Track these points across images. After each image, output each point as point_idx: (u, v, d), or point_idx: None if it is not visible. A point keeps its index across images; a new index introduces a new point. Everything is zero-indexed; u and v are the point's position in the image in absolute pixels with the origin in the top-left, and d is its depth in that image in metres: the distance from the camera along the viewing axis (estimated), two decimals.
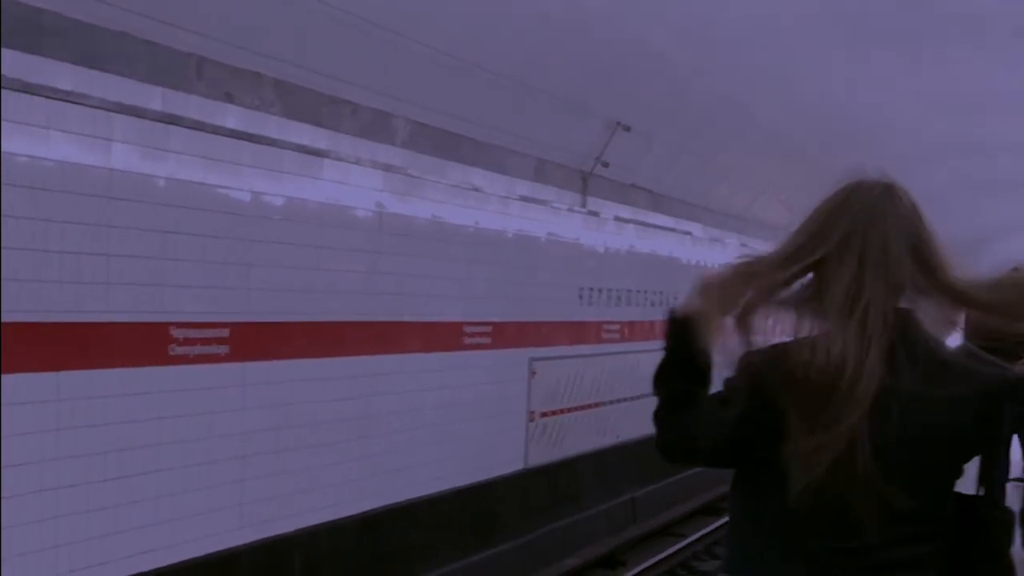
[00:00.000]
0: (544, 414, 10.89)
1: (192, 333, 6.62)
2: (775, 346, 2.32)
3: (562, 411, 11.27)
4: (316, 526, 7.81)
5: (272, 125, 7.15)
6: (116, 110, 6.01)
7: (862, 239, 2.30)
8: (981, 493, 2.47)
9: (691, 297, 2.49)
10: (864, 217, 2.33)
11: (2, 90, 5.40)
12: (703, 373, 2.44)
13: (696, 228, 14.28)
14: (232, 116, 6.84)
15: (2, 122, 5.42)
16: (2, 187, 5.43)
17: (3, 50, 5.37)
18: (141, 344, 6.30)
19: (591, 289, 11.74)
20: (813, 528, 2.28)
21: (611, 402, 12.21)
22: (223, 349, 6.86)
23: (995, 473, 2.44)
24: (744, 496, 2.45)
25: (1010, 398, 2.31)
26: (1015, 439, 8.26)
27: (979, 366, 2.33)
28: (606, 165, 11.35)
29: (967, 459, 2.39)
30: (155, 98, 6.29)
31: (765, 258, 2.41)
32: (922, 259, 2.32)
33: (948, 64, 13.24)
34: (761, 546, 2.39)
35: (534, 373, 10.60)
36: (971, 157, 20.10)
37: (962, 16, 11.42)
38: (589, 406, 11.83)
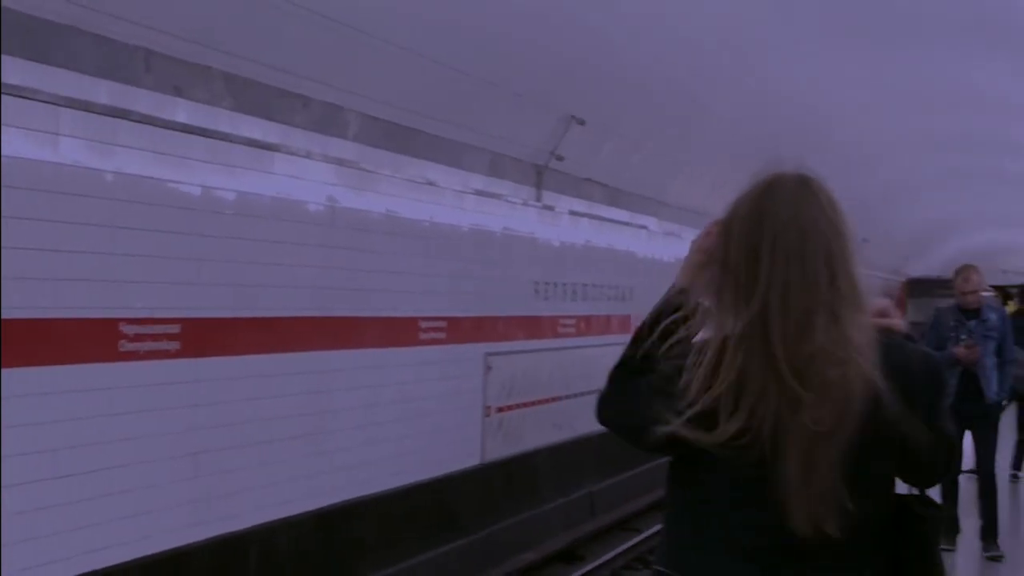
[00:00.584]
0: (500, 409, 10.88)
1: (142, 329, 6.55)
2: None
3: (518, 406, 11.27)
4: (272, 523, 7.75)
5: (223, 119, 7.10)
6: (64, 104, 5.95)
7: (783, 247, 2.28)
8: (915, 492, 2.48)
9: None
10: (783, 221, 2.31)
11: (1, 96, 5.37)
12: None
13: (652, 222, 14.31)
14: (182, 110, 6.79)
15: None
16: None
17: None
18: (90, 340, 6.23)
19: (547, 283, 11.74)
20: (754, 523, 2.27)
21: (568, 396, 12.21)
22: (174, 345, 6.80)
23: None
24: (681, 485, 2.41)
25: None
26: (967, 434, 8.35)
27: (905, 359, 2.35)
28: (561, 159, 11.35)
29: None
30: (103, 92, 6.23)
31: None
32: (832, 272, 2.29)
33: (908, 60, 13.34)
34: (698, 539, 2.36)
35: (490, 368, 10.58)
36: (934, 152, 20.27)
37: (925, 13, 11.50)
38: (546, 400, 11.83)
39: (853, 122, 16.42)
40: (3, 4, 5.54)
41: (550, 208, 11.65)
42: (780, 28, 11.28)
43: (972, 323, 8.07)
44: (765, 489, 2.21)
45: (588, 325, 12.60)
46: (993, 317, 8.25)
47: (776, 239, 2.29)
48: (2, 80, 5.56)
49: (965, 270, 8.26)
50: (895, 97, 15.24)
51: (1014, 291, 11.55)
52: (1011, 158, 20.87)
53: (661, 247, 14.65)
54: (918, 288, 35.56)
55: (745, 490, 2.25)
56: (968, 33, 12.06)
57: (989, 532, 8.13)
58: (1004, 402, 8.95)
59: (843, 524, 2.21)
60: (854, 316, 2.27)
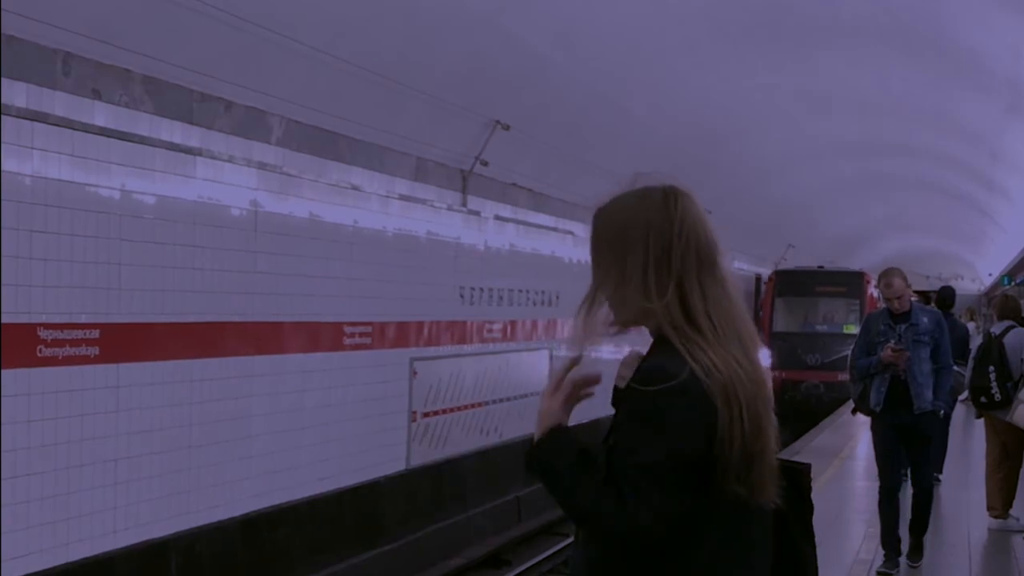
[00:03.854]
0: (426, 414, 10.87)
1: (61, 334, 6.49)
2: (679, 364, 2.24)
3: (445, 411, 11.27)
4: (194, 529, 7.70)
5: (142, 122, 7.05)
6: None
7: (695, 248, 2.39)
8: None
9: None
10: (691, 224, 2.42)
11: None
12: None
13: (578, 228, 14.34)
14: (101, 113, 6.73)
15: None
16: None
17: None
18: (8, 346, 6.15)
19: (472, 289, 11.76)
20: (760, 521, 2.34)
21: (494, 401, 12.23)
22: (93, 350, 6.73)
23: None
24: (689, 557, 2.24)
25: None
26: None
27: None
28: (486, 164, 11.38)
29: None
30: (19, 95, 6.16)
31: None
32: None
33: (826, 67, 13.52)
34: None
35: (415, 373, 10.58)
36: (849, 157, 20.56)
37: (837, 21, 11.67)
38: (472, 406, 11.83)
39: (774, 127, 16.63)
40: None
41: (475, 213, 11.68)
42: (700, 35, 11.40)
43: (902, 327, 7.76)
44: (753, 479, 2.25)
45: (514, 330, 12.63)
46: (925, 321, 7.77)
47: (688, 238, 2.39)
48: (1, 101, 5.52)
49: (887, 275, 7.88)
50: (813, 103, 15.45)
51: (932, 296, 11.52)
52: (929, 165, 21.25)
53: (588, 252, 14.63)
54: (790, 284, 25.04)
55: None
56: (885, 42, 12.26)
57: (916, 545, 8.01)
58: (942, 412, 8.32)
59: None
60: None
